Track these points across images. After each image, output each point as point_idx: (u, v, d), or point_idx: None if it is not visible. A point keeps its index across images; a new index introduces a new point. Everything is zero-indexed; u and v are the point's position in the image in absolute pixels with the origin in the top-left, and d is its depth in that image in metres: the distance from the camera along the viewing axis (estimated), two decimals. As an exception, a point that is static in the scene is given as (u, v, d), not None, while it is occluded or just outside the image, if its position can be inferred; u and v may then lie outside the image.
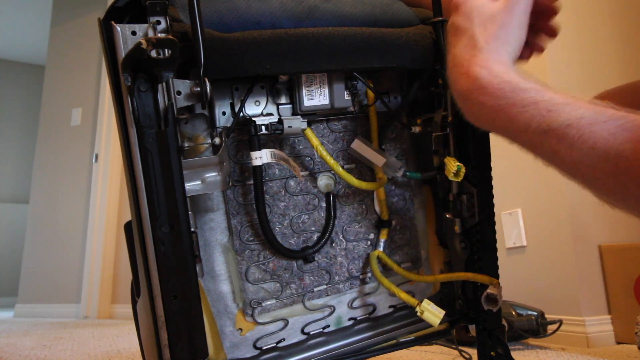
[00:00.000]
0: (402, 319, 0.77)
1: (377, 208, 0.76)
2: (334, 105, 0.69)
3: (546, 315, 1.25)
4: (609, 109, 0.41)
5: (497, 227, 0.74)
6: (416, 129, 0.76)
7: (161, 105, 0.54)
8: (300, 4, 0.64)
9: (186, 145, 0.62)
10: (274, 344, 0.69)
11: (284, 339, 0.69)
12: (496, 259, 0.74)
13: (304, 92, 0.67)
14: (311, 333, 0.71)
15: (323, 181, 0.73)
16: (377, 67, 0.68)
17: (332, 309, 0.73)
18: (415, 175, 0.77)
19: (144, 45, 0.49)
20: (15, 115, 4.56)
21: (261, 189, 0.65)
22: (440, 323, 0.68)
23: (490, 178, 0.73)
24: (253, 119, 0.65)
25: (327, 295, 0.73)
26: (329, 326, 0.72)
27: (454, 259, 0.79)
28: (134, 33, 0.54)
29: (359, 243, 0.75)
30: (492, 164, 0.72)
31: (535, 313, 1.23)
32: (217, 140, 0.62)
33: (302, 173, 0.71)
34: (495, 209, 0.74)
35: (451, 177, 0.66)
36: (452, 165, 0.66)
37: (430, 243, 0.81)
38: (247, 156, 0.67)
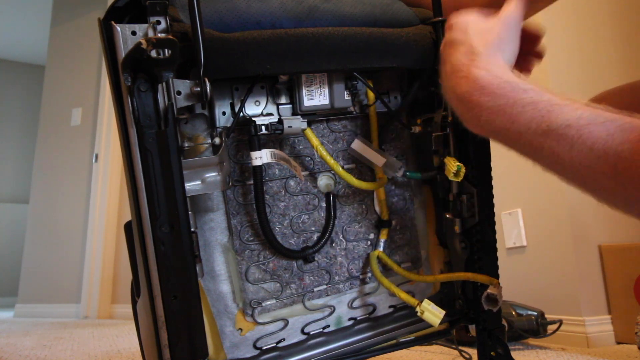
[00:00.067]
0: (402, 319, 0.77)
1: (377, 208, 0.76)
2: (334, 105, 0.69)
3: (546, 315, 1.25)
4: (606, 111, 0.41)
5: (497, 227, 0.74)
6: (416, 129, 0.76)
7: (161, 105, 0.54)
8: (300, 4, 0.64)
9: (186, 145, 0.62)
10: (274, 344, 0.69)
11: (284, 339, 0.69)
12: (496, 259, 0.74)
13: (304, 92, 0.67)
14: (311, 333, 0.71)
15: (323, 181, 0.73)
16: (377, 67, 0.68)
17: (332, 309, 0.73)
18: (415, 175, 0.77)
19: (144, 45, 0.49)
20: (15, 115, 4.57)
21: (261, 189, 0.65)
22: (440, 323, 0.68)
23: (490, 178, 0.73)
24: (253, 119, 0.65)
25: (327, 295, 0.73)
26: (329, 326, 0.72)
27: (454, 259, 0.79)
28: (134, 33, 0.54)
29: (359, 243, 0.75)
30: (492, 164, 0.72)
31: (535, 313, 1.23)
32: (217, 140, 0.62)
33: (302, 173, 0.71)
34: (495, 209, 0.74)
35: (451, 177, 0.66)
36: (452, 165, 0.66)
37: (430, 243, 0.81)
38: (247, 156, 0.67)
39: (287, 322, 0.70)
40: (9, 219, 4.27)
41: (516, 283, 1.37)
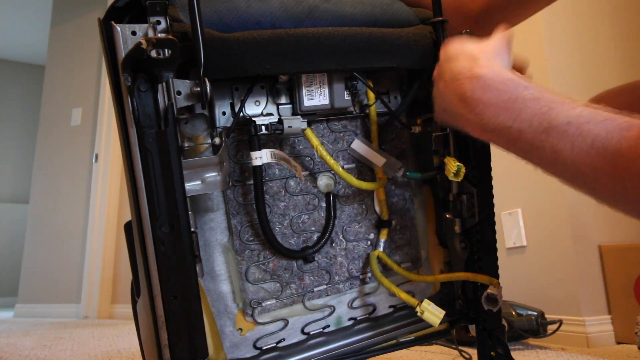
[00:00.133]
0: (402, 319, 0.77)
1: (377, 208, 0.76)
2: (334, 105, 0.69)
3: (546, 315, 1.25)
4: (604, 111, 0.42)
5: (497, 227, 0.74)
6: (416, 129, 0.76)
7: (161, 105, 0.54)
8: (300, 4, 0.64)
9: (186, 145, 0.62)
10: (274, 344, 0.69)
11: (284, 339, 0.69)
12: (496, 259, 0.74)
13: (304, 92, 0.67)
14: (311, 333, 0.71)
15: (323, 181, 0.73)
16: (377, 67, 0.68)
17: (332, 309, 0.73)
18: (415, 175, 0.77)
19: (144, 45, 0.49)
20: (15, 115, 4.57)
21: (261, 189, 0.65)
22: (440, 323, 0.68)
23: (490, 178, 0.73)
24: (253, 119, 0.65)
25: (327, 295, 0.73)
26: (329, 326, 0.72)
27: (454, 259, 0.79)
28: (134, 33, 0.54)
29: (359, 243, 0.75)
30: (492, 164, 0.72)
31: (535, 313, 1.23)
32: (217, 140, 0.62)
33: (302, 173, 0.71)
34: (495, 209, 0.74)
35: (451, 177, 0.66)
36: (452, 165, 0.66)
37: (430, 243, 0.81)
38: (247, 156, 0.67)
39: (287, 322, 0.70)
40: (9, 219, 4.27)
41: (516, 283, 1.37)
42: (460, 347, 1.13)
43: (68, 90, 2.93)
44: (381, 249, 0.75)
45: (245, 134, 0.67)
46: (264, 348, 0.68)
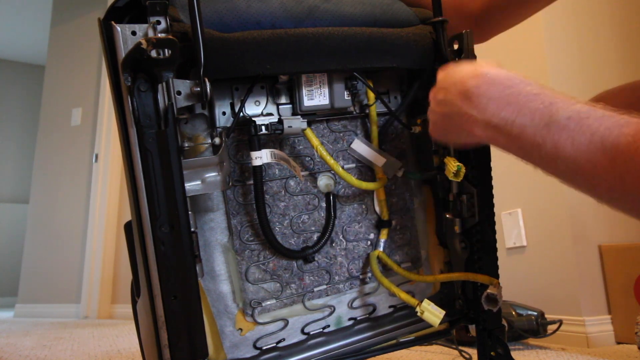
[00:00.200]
0: (402, 319, 0.77)
1: (377, 208, 0.76)
2: (334, 105, 0.69)
3: (546, 315, 1.25)
4: (601, 108, 0.42)
5: (497, 227, 0.74)
6: (416, 129, 0.76)
7: (161, 105, 0.54)
8: (300, 4, 0.64)
9: (186, 145, 0.62)
10: (274, 344, 0.69)
11: (284, 339, 0.69)
12: (496, 259, 0.74)
13: (304, 92, 0.67)
14: (311, 333, 0.71)
15: (323, 181, 0.73)
16: (377, 67, 0.68)
17: (332, 309, 0.73)
18: (415, 175, 0.77)
19: (144, 45, 0.50)
20: (15, 115, 4.57)
21: (261, 189, 0.65)
22: (440, 323, 0.68)
23: (490, 178, 0.73)
24: (253, 119, 0.65)
25: (327, 295, 0.73)
26: (329, 326, 0.72)
27: (454, 259, 0.79)
28: (134, 33, 0.54)
29: (359, 243, 0.75)
30: (492, 164, 0.72)
31: (535, 313, 1.23)
32: (217, 140, 0.62)
33: (302, 173, 0.71)
34: (495, 209, 0.74)
35: (451, 177, 0.66)
36: (452, 165, 0.66)
37: (430, 243, 0.81)
38: (247, 156, 0.67)
39: (287, 322, 0.70)
40: (9, 219, 4.27)
41: (516, 283, 1.37)
42: (460, 347, 1.13)
43: (68, 90, 2.93)
44: (381, 249, 0.75)
45: (245, 134, 0.67)
46: (264, 348, 0.68)
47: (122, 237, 1.79)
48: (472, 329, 0.77)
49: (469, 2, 0.78)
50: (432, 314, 0.67)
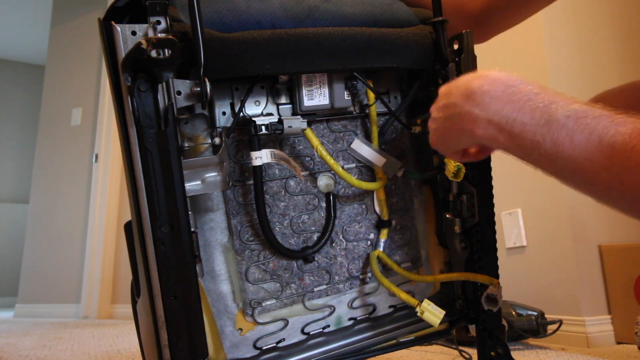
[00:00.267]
0: (402, 319, 0.77)
1: (377, 208, 0.76)
2: (334, 105, 0.69)
3: (546, 315, 1.25)
4: (599, 108, 0.43)
5: (497, 227, 0.74)
6: (416, 129, 0.76)
7: (161, 105, 0.54)
8: (300, 4, 0.64)
9: (186, 145, 0.62)
10: (274, 344, 0.69)
11: (284, 339, 0.69)
12: (496, 259, 0.74)
13: (304, 92, 0.67)
14: (311, 333, 0.71)
15: (323, 181, 0.73)
16: (377, 67, 0.68)
17: (332, 309, 0.73)
18: (415, 175, 0.77)
19: (144, 45, 0.49)
20: (15, 115, 4.56)
21: (261, 189, 0.65)
22: (440, 323, 0.68)
23: (490, 178, 0.73)
24: (253, 119, 0.65)
25: (327, 295, 0.73)
26: (329, 326, 0.72)
27: (454, 259, 0.79)
28: (134, 33, 0.54)
29: (359, 243, 0.75)
30: (492, 164, 0.72)
31: (535, 313, 1.23)
32: (217, 140, 0.62)
33: (302, 173, 0.71)
34: (495, 209, 0.74)
35: (451, 177, 0.66)
36: (452, 165, 0.66)
37: (430, 243, 0.81)
38: (247, 156, 0.67)
39: (287, 322, 0.70)
40: (9, 219, 4.27)
41: (516, 283, 1.37)
42: (460, 347, 1.13)
43: (68, 90, 2.92)
44: (381, 249, 0.75)
45: (245, 134, 0.67)
46: (264, 348, 0.68)
47: (122, 237, 1.79)
48: (472, 329, 0.77)
49: (469, 2, 0.78)
50: (432, 314, 0.67)
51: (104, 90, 2.78)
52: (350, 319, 0.74)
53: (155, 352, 0.56)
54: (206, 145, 0.63)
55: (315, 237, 0.72)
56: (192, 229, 0.59)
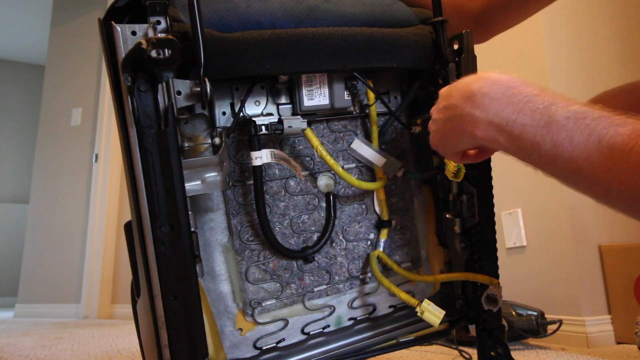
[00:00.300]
0: (402, 319, 0.77)
1: (377, 208, 0.76)
2: (334, 105, 0.69)
3: (546, 315, 1.25)
4: (598, 109, 0.43)
5: (497, 227, 0.74)
6: (416, 129, 0.76)
7: (161, 105, 0.54)
8: (300, 4, 0.64)
9: (186, 145, 0.62)
10: (274, 344, 0.69)
11: (284, 339, 0.69)
12: (496, 259, 0.74)
13: (304, 92, 0.67)
14: (311, 333, 0.71)
15: (323, 181, 0.73)
16: (377, 67, 0.68)
17: (332, 309, 0.73)
18: (415, 175, 0.77)
19: (144, 45, 0.49)
20: (15, 115, 4.56)
21: (261, 189, 0.65)
22: (440, 323, 0.68)
23: (490, 178, 0.73)
24: (253, 119, 0.65)
25: (327, 295, 0.73)
26: (329, 326, 0.72)
27: (454, 259, 0.79)
28: (134, 33, 0.54)
29: (359, 243, 0.75)
30: (492, 164, 0.72)
31: (535, 313, 1.23)
32: (217, 140, 0.62)
33: (302, 173, 0.71)
34: (495, 209, 0.74)
35: (451, 177, 0.66)
36: (452, 166, 0.66)
37: (430, 243, 0.81)
38: (247, 156, 0.67)
39: (287, 322, 0.70)
40: (9, 219, 4.27)
41: (516, 283, 1.37)
42: (460, 347, 1.13)
43: (68, 90, 2.92)
44: (381, 249, 0.75)
45: (245, 134, 0.67)
46: (264, 348, 0.68)
47: (122, 237, 1.79)
48: (472, 329, 0.77)
49: (469, 2, 0.78)
50: (432, 314, 0.67)
51: (104, 90, 2.78)
52: (350, 319, 0.74)
53: (155, 352, 0.56)
54: (206, 145, 0.63)
55: (315, 237, 0.72)
56: (192, 229, 0.59)
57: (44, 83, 3.04)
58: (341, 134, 0.74)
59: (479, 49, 0.71)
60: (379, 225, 0.76)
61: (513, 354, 0.74)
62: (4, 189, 4.42)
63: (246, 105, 0.66)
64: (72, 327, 2.11)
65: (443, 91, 0.57)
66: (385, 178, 0.75)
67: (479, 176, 0.72)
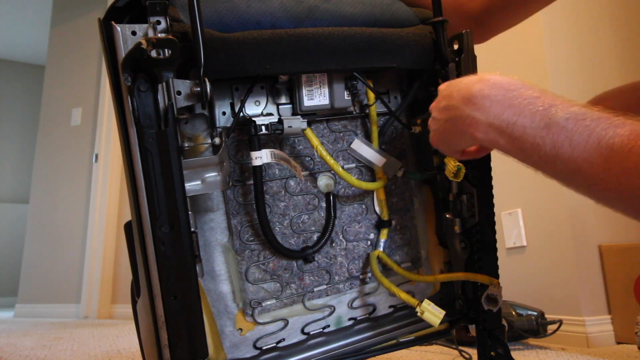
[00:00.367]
0: (402, 319, 0.77)
1: (377, 208, 0.76)
2: (334, 105, 0.69)
3: (546, 315, 1.25)
4: (598, 110, 0.43)
5: (497, 227, 0.74)
6: (416, 129, 0.76)
7: (161, 105, 0.54)
8: (300, 4, 0.64)
9: (186, 145, 0.62)
10: (274, 344, 0.69)
11: (284, 339, 0.69)
12: (496, 259, 0.74)
13: (304, 92, 0.67)
14: (311, 333, 0.71)
15: (323, 181, 0.73)
16: (377, 67, 0.68)
17: (332, 309, 0.73)
18: (415, 175, 0.77)
19: (144, 45, 0.49)
20: (15, 115, 4.56)
21: (261, 189, 0.65)
22: (441, 323, 0.68)
23: (490, 178, 0.73)
24: (253, 119, 0.65)
25: (327, 295, 0.73)
26: (329, 326, 0.72)
27: (454, 259, 0.79)
28: (134, 33, 0.54)
29: (359, 243, 0.75)
30: (492, 164, 0.72)
31: (535, 313, 1.23)
32: (217, 140, 0.62)
33: (302, 173, 0.71)
34: (495, 209, 0.74)
35: (451, 177, 0.66)
36: (452, 165, 0.66)
37: (430, 243, 0.81)
38: (247, 156, 0.67)
39: (287, 322, 0.70)
40: (9, 219, 4.27)
41: (516, 283, 1.37)
42: (460, 347, 1.13)
43: (68, 90, 2.92)
44: (381, 249, 0.75)
45: (245, 134, 0.67)
46: (264, 348, 0.68)
47: (122, 237, 1.79)
48: (472, 329, 0.77)
49: (469, 2, 0.78)
50: (432, 314, 0.67)
51: (104, 90, 2.78)
52: (350, 319, 0.74)
53: (155, 352, 0.56)
54: (206, 145, 0.63)
55: (315, 237, 0.72)
56: (192, 229, 0.59)
57: (44, 83, 3.04)
58: (341, 134, 0.74)
59: (479, 49, 0.71)
60: (379, 225, 0.76)
61: (513, 354, 0.74)
62: (4, 189, 4.42)
63: (246, 105, 0.66)
64: (72, 327, 2.11)
65: (443, 88, 0.57)
66: (385, 178, 0.75)
67: (479, 176, 0.72)
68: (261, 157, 0.63)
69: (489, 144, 0.51)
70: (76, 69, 2.92)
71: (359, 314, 0.75)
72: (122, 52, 0.53)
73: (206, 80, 0.54)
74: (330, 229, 0.72)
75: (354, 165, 0.75)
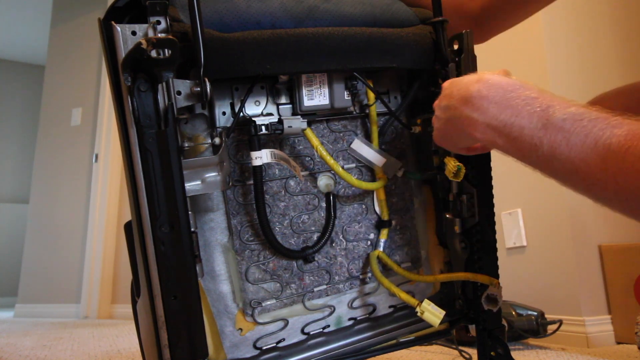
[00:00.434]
0: (402, 319, 0.77)
1: (377, 208, 0.76)
2: (334, 105, 0.69)
3: (546, 315, 1.25)
4: (595, 110, 0.43)
5: (497, 227, 0.74)
6: (416, 129, 0.76)
7: (161, 105, 0.54)
8: (300, 4, 0.64)
9: (186, 145, 0.62)
10: (274, 344, 0.69)
11: (284, 339, 0.69)
12: (496, 259, 0.74)
13: (304, 92, 0.67)
14: (311, 333, 0.71)
15: (323, 181, 0.73)
16: (377, 67, 0.68)
17: (332, 309, 0.73)
18: (415, 175, 0.77)
19: (144, 45, 0.49)
20: (15, 115, 4.56)
21: (261, 189, 0.65)
22: (441, 323, 0.68)
23: (490, 178, 0.73)
24: (253, 119, 0.65)
25: (327, 295, 0.73)
26: (329, 326, 0.72)
27: (454, 259, 0.79)
28: (134, 33, 0.54)
29: (359, 243, 0.75)
30: (492, 164, 0.72)
31: (535, 313, 1.23)
32: (217, 140, 0.62)
33: (302, 173, 0.71)
34: (495, 209, 0.74)
35: (451, 177, 0.66)
36: (452, 165, 0.65)
37: (430, 243, 0.81)
38: (247, 156, 0.67)
39: (287, 322, 0.70)
40: (9, 219, 4.27)
41: (516, 283, 1.37)
42: (460, 347, 1.13)
43: (68, 90, 2.92)
44: (381, 249, 0.75)
45: (245, 134, 0.67)
46: (264, 348, 0.68)
47: (122, 237, 1.79)
48: (472, 329, 0.77)
49: (469, 2, 0.78)
50: (432, 314, 0.67)
51: (104, 90, 2.78)
52: (350, 319, 0.74)
53: (155, 352, 0.56)
54: (206, 145, 0.63)
55: (315, 237, 0.72)
56: (192, 229, 0.59)
57: (44, 83, 3.04)
58: (341, 134, 0.74)
59: (479, 49, 0.71)
60: (379, 225, 0.76)
61: (513, 354, 0.74)
62: (4, 189, 4.42)
63: (246, 105, 0.66)
64: (72, 327, 2.11)
65: (446, 86, 0.57)
66: (385, 178, 0.75)
67: (479, 176, 0.73)
68: (261, 157, 0.63)
69: (488, 144, 0.51)
70: (76, 69, 2.93)
71: (359, 314, 0.75)
72: (122, 52, 0.53)
73: (206, 80, 0.54)
74: (330, 229, 0.72)
75: (354, 165, 0.75)
